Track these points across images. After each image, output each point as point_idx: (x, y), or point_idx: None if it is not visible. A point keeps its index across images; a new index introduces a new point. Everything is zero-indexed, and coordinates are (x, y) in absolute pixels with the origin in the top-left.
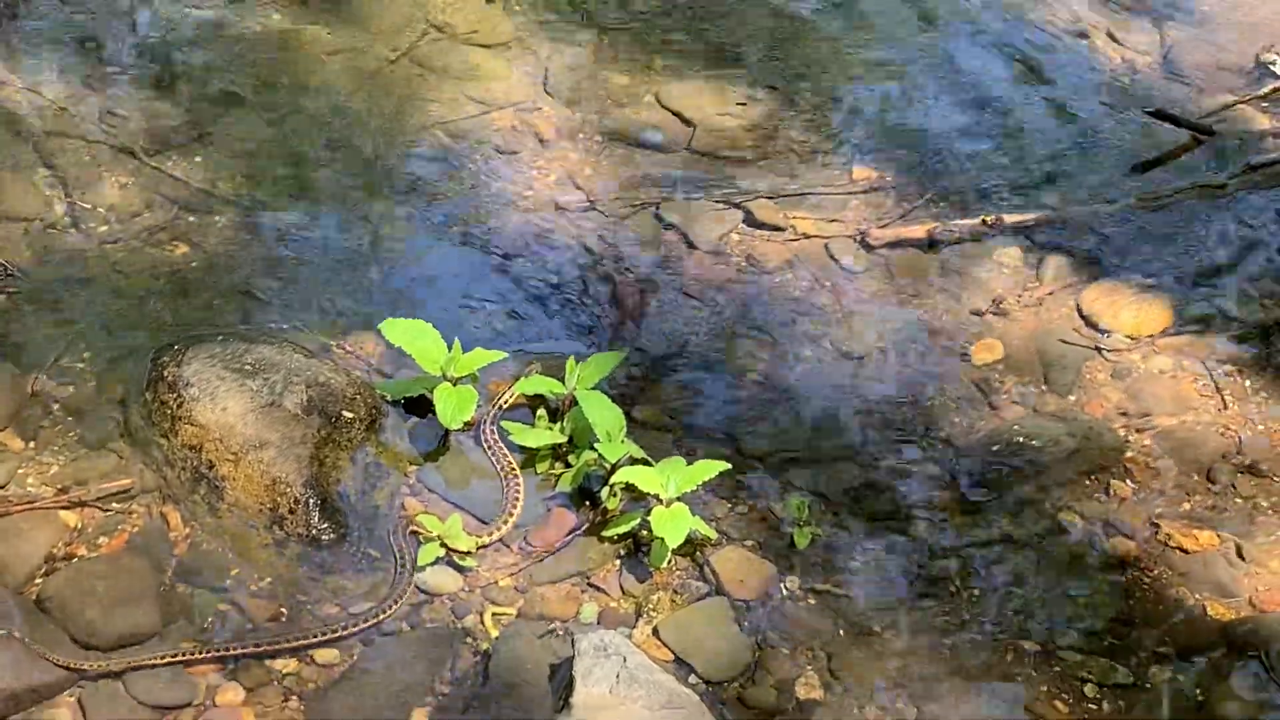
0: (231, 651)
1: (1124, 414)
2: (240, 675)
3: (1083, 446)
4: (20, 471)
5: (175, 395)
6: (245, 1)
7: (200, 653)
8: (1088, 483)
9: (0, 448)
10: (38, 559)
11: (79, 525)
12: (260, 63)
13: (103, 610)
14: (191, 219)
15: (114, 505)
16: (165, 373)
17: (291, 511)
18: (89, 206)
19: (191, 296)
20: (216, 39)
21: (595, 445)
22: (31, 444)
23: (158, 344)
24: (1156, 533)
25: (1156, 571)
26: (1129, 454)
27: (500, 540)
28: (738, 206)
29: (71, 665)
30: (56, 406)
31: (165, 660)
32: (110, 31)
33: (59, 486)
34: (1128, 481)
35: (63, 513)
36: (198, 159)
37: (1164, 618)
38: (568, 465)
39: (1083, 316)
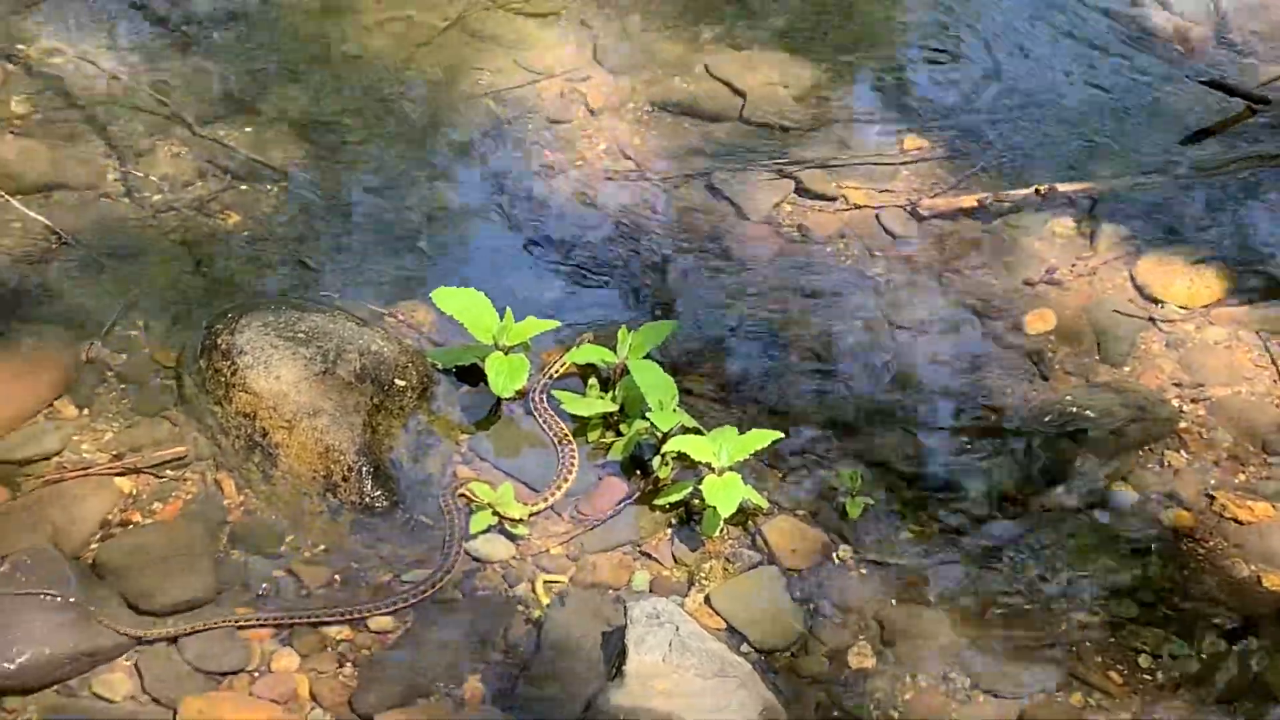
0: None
1: (1178, 385)
2: (295, 641)
3: (1136, 417)
4: (75, 438)
5: (229, 363)
6: None
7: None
8: (1141, 454)
9: (55, 414)
10: (93, 525)
11: (134, 492)
12: (312, 31)
13: (158, 576)
14: (243, 188)
15: (168, 472)
16: (219, 340)
17: (344, 479)
18: (142, 175)
19: (244, 265)
20: (269, 7)
21: (647, 414)
22: (86, 411)
23: (211, 312)
24: (1211, 504)
25: (1212, 543)
26: (1183, 425)
27: (552, 508)
28: (789, 176)
29: (131, 633)
30: (110, 374)
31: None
32: (161, 2)
33: (113, 453)
34: (1182, 452)
35: (118, 479)
36: (249, 128)
37: (1219, 589)
38: (619, 434)
39: (1136, 287)
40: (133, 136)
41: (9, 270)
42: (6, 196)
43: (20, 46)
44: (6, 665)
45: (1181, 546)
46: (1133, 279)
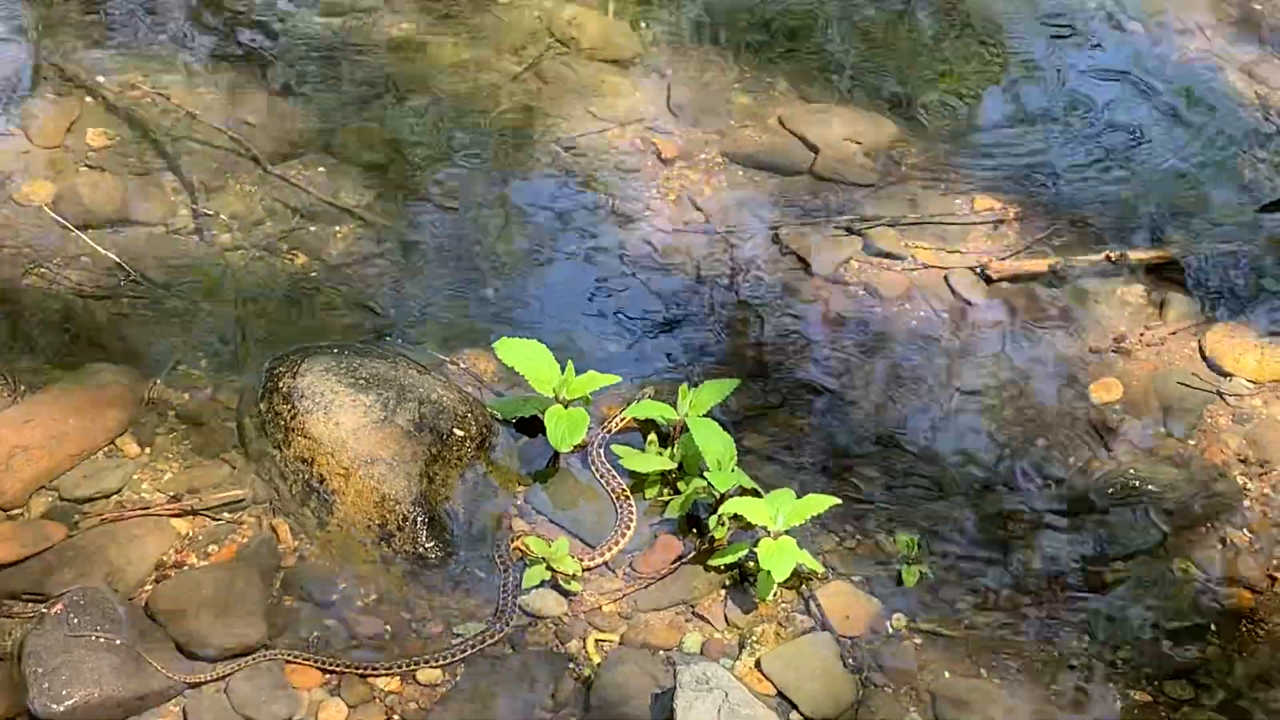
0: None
1: (1243, 461)
2: (344, 691)
3: (1199, 493)
4: (135, 477)
5: (289, 407)
6: (376, 12)
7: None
8: (1204, 530)
9: (116, 453)
10: (148, 566)
11: (190, 533)
12: (386, 73)
13: (210, 620)
14: (312, 229)
15: (225, 515)
16: (280, 384)
17: (400, 529)
18: (212, 213)
19: (309, 307)
20: (345, 49)
21: (705, 473)
22: (147, 450)
23: (274, 354)
24: (1273, 584)
25: (1272, 624)
26: (1247, 502)
27: (607, 564)
28: (857, 233)
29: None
30: (172, 413)
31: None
32: (239, 38)
33: (172, 494)
34: (1245, 531)
35: (174, 520)
36: (321, 169)
37: (1278, 672)
38: (676, 492)
39: (1205, 359)
40: (205, 173)
41: (76, 305)
42: (76, 231)
43: (100, 79)
44: (55, 707)
45: (1241, 628)
46: (1201, 350)
